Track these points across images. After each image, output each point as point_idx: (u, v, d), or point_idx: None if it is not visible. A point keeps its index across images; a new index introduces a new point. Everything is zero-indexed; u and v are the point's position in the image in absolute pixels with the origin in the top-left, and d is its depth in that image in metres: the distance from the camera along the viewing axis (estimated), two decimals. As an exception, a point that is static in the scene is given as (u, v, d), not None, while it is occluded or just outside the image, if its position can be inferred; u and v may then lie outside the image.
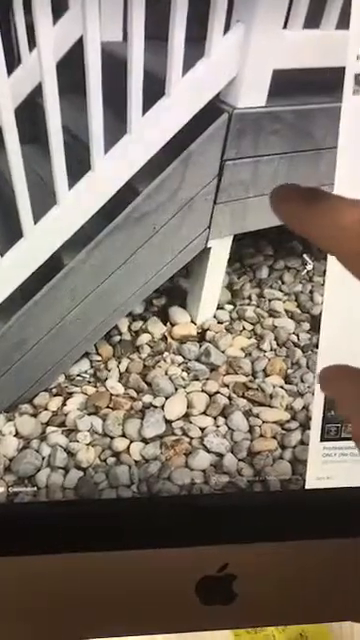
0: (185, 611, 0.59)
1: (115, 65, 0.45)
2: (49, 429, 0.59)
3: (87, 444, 0.58)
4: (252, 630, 0.82)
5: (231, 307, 0.65)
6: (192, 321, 0.64)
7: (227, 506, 0.59)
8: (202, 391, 0.61)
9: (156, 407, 0.60)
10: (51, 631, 0.58)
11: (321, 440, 0.58)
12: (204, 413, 0.61)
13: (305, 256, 0.61)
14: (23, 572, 0.55)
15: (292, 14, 0.46)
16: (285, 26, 0.46)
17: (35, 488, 0.57)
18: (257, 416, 0.60)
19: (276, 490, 0.59)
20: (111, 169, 0.50)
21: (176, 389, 0.61)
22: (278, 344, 0.64)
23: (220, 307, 0.64)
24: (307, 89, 0.49)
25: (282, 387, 0.62)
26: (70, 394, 0.61)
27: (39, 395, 0.60)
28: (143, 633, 0.61)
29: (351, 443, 0.57)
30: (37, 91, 0.46)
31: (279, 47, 0.47)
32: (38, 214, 0.51)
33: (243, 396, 0.61)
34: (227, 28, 0.46)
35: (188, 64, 0.47)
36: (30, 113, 0.49)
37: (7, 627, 0.57)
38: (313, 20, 0.47)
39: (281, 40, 0.47)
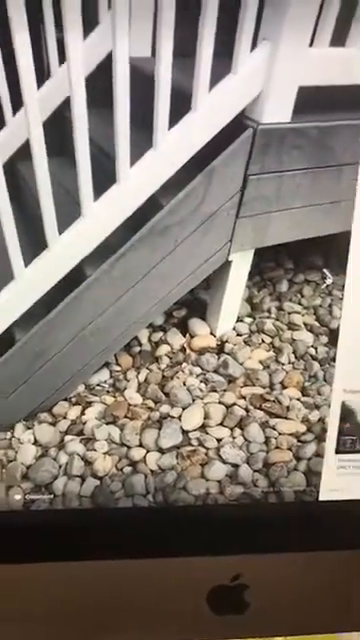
0: (196, 620, 0.58)
1: (143, 80, 0.45)
2: (67, 438, 0.59)
3: (104, 453, 0.59)
4: (262, 639, 0.82)
5: (250, 320, 0.65)
6: (211, 333, 0.64)
7: (241, 516, 0.59)
8: (219, 402, 0.62)
9: (173, 417, 0.60)
10: (63, 638, 0.58)
11: (336, 452, 0.58)
12: (221, 424, 0.61)
13: (325, 270, 0.61)
14: (37, 578, 0.55)
15: (318, 32, 0.46)
16: (311, 44, 0.47)
17: (52, 496, 0.57)
18: (273, 428, 0.61)
19: (290, 501, 0.59)
20: (136, 182, 0.50)
21: (193, 400, 0.61)
22: (296, 357, 0.64)
23: (240, 320, 0.64)
24: (331, 106, 0.50)
25: (299, 399, 0.62)
26: (89, 403, 0.61)
27: (58, 404, 0.61)
28: (154, 642, 0.61)
29: (366, 456, 0.57)
30: (65, 105, 0.46)
31: (305, 64, 0.48)
32: (63, 226, 0.51)
33: (260, 408, 0.61)
34: (254, 45, 0.46)
35: (215, 80, 0.47)
36: (58, 126, 0.49)
37: (20, 633, 0.57)
38: (339, 38, 0.47)
39: (307, 57, 0.47)
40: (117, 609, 0.56)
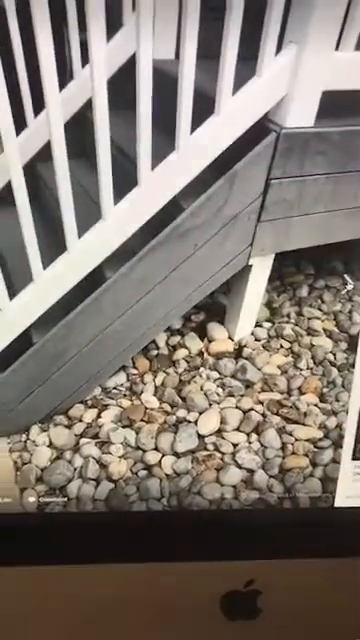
0: (209, 625, 0.58)
1: (166, 83, 0.45)
2: (82, 440, 0.59)
3: (119, 456, 0.58)
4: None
5: (269, 325, 0.65)
6: (230, 337, 0.64)
7: (256, 522, 0.59)
8: (236, 407, 0.62)
9: (190, 422, 0.60)
10: (75, 639, 0.58)
11: (353, 459, 0.58)
12: (237, 429, 0.61)
13: (346, 276, 0.60)
14: (51, 581, 0.55)
15: (344, 36, 0.46)
16: (337, 47, 0.46)
17: (66, 499, 0.57)
18: (290, 434, 0.60)
19: (305, 507, 0.59)
20: (157, 185, 0.50)
21: (210, 405, 0.61)
22: (315, 363, 0.64)
23: (258, 324, 0.64)
24: (356, 110, 0.49)
25: (316, 405, 0.62)
26: (105, 406, 0.61)
27: (74, 407, 0.61)
28: (166, 645, 0.61)
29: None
30: (87, 106, 0.46)
31: (330, 68, 0.47)
32: (82, 228, 0.50)
33: (277, 413, 0.61)
34: (279, 48, 0.46)
35: (239, 83, 0.47)
36: (79, 128, 0.49)
37: (33, 633, 0.57)
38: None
39: (332, 61, 0.47)
40: (130, 612, 0.56)
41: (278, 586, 0.57)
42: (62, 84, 0.44)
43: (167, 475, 0.58)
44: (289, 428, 0.60)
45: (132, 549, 0.54)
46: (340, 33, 0.46)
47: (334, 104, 0.49)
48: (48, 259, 0.52)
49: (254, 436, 0.60)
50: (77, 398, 0.60)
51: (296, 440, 0.60)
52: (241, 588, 0.55)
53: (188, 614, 0.57)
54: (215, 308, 0.62)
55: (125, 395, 0.61)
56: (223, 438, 0.60)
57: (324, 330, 0.63)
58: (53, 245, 0.51)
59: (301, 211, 0.55)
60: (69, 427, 0.60)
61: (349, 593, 0.58)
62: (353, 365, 0.55)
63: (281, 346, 0.63)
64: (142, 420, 0.60)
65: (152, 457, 0.59)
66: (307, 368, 0.63)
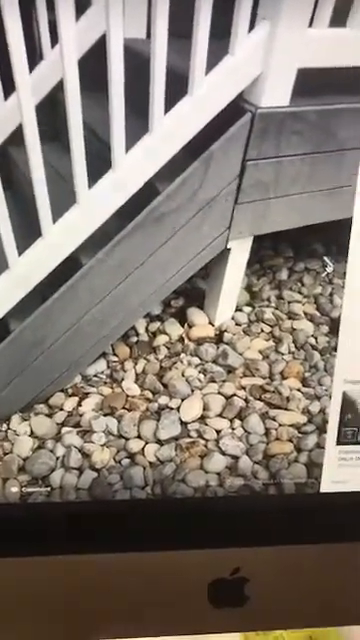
0: (196, 613, 0.58)
1: (138, 63, 0.44)
2: (64, 429, 0.59)
3: (102, 445, 0.58)
4: (261, 632, 0.82)
5: (250, 309, 0.65)
6: (210, 323, 0.64)
7: (241, 509, 0.58)
8: (218, 393, 0.61)
9: (172, 409, 0.60)
10: (61, 632, 0.58)
11: (337, 444, 0.58)
12: (220, 415, 0.60)
13: (326, 258, 0.60)
14: (34, 572, 0.54)
15: (318, 12, 0.45)
16: (311, 24, 0.45)
17: (49, 488, 0.57)
18: (273, 419, 0.60)
19: (291, 493, 0.59)
20: (131, 168, 0.49)
21: (192, 391, 0.61)
22: (296, 347, 0.64)
23: (238, 309, 0.64)
24: (332, 89, 0.49)
25: (299, 390, 0.61)
26: (86, 394, 0.60)
27: (55, 395, 0.60)
28: (153, 635, 0.61)
29: (368, 447, 0.57)
30: (59, 88, 0.45)
31: (304, 45, 0.46)
32: (57, 213, 0.50)
33: (260, 399, 0.61)
34: (252, 26, 0.45)
35: (212, 62, 0.46)
36: (51, 110, 0.48)
37: (19, 627, 0.57)
38: (340, 18, 0.46)
39: (306, 38, 0.46)
40: (115, 602, 0.56)
41: (265, 573, 0.56)
42: (32, 65, 0.43)
43: (150, 463, 0.58)
44: (272, 413, 0.60)
45: (115, 539, 0.54)
46: (314, 9, 0.45)
47: (309, 83, 0.48)
48: (24, 245, 0.51)
49: (237, 422, 0.60)
50: (57, 386, 0.60)
51: (280, 425, 0.60)
52: (227, 576, 0.55)
53: (174, 602, 0.57)
54: (194, 293, 0.62)
55: (106, 383, 0.61)
56: (206, 424, 0.60)
57: (305, 313, 0.63)
58: (28, 231, 0.51)
59: (278, 193, 0.55)
60: (50, 416, 0.59)
61: (337, 578, 0.58)
62: (335, 349, 0.55)
63: (262, 330, 0.63)
64: (124, 408, 0.60)
65: (135, 445, 0.58)
66: (289, 352, 0.62)
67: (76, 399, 0.60)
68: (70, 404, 0.60)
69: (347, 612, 0.60)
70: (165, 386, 0.61)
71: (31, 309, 0.54)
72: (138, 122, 0.47)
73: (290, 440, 0.60)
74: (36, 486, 0.57)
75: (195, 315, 0.64)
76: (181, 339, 0.63)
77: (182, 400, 0.60)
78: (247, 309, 0.64)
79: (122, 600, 0.56)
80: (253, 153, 0.51)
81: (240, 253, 0.60)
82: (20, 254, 0.51)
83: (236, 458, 0.59)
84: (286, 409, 0.60)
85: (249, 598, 0.56)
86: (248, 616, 0.57)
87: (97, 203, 0.50)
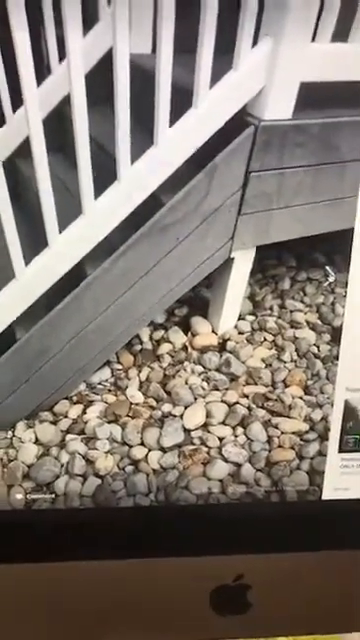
0: (198, 620, 0.58)
1: (143, 77, 0.45)
2: (68, 437, 0.59)
3: (106, 452, 0.58)
4: (264, 639, 0.82)
5: (252, 318, 0.65)
6: (213, 331, 0.64)
7: (244, 516, 0.59)
8: (221, 401, 0.61)
9: (175, 416, 0.60)
10: (65, 638, 0.58)
11: (339, 451, 0.58)
12: (223, 423, 0.61)
13: (328, 268, 0.60)
14: (38, 578, 0.54)
15: (320, 27, 0.46)
16: (313, 39, 0.46)
17: (53, 495, 0.57)
18: (276, 427, 0.60)
19: (293, 501, 0.59)
20: (136, 180, 0.50)
21: (195, 399, 0.61)
22: (299, 355, 0.64)
23: (241, 318, 0.64)
24: (334, 102, 0.49)
25: (301, 398, 0.62)
26: (90, 402, 0.61)
27: (59, 403, 0.61)
28: (156, 641, 0.61)
29: (370, 455, 0.57)
30: (65, 101, 0.46)
31: (307, 60, 0.47)
32: (63, 223, 0.51)
33: (262, 407, 0.61)
34: (255, 41, 0.46)
35: (216, 77, 0.47)
36: (58, 123, 0.49)
37: (23, 632, 0.57)
38: (341, 33, 0.47)
39: (309, 53, 0.47)
40: (118, 609, 0.56)
41: (267, 580, 0.57)
42: (40, 79, 0.44)
43: (154, 470, 0.58)
44: (275, 421, 0.60)
45: (119, 546, 0.54)
46: (316, 25, 0.46)
47: (312, 96, 0.49)
48: (30, 255, 0.52)
49: (240, 429, 0.60)
50: (62, 394, 0.60)
51: (282, 433, 0.60)
52: (230, 583, 0.55)
53: (177, 609, 0.57)
54: (198, 302, 0.62)
55: (110, 390, 0.61)
56: (209, 432, 0.60)
57: (307, 322, 0.64)
58: (34, 241, 0.51)
59: (281, 204, 0.55)
60: (55, 423, 0.60)
61: (339, 586, 0.58)
62: (337, 357, 0.55)
63: (264, 339, 0.64)
64: (127, 415, 0.60)
65: (138, 452, 0.59)
66: (291, 361, 0.63)
67: (81, 407, 0.61)
68: (75, 412, 0.61)
69: (350, 619, 0.60)
70: (168, 394, 0.61)
71: (37, 318, 0.54)
72: (143, 135, 0.48)
73: (292, 448, 0.60)
74: (40, 493, 0.57)
75: (199, 324, 0.65)
76: (185, 347, 0.63)
77: (185, 408, 0.61)
78: (250, 318, 0.65)
79: (124, 607, 0.56)
80: (256, 165, 0.52)
81: (243, 263, 0.60)
82: (27, 264, 0.52)
83: (239, 465, 0.59)
84: (288, 417, 0.61)
85: (252, 605, 0.56)
86: (251, 623, 0.57)
87: (102, 214, 0.51)
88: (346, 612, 0.60)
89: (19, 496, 0.56)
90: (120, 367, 0.63)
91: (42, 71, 0.47)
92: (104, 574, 0.55)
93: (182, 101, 0.48)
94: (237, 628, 0.58)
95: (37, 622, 0.56)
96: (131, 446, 0.59)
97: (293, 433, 0.60)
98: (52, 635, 0.56)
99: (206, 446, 0.60)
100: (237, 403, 0.61)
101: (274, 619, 0.59)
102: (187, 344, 0.64)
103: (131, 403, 0.61)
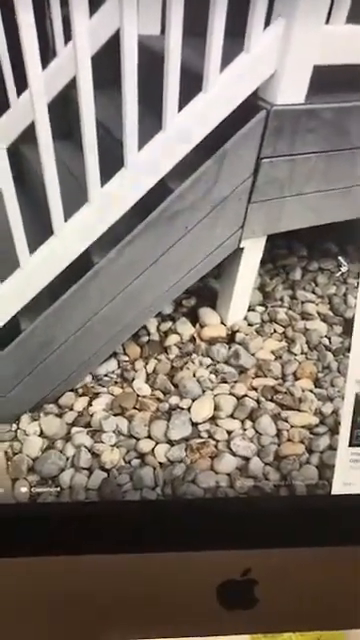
0: (205, 615, 0.58)
1: (152, 60, 0.44)
2: (74, 429, 0.58)
3: (112, 445, 0.58)
4: (270, 635, 0.82)
5: (262, 309, 0.65)
6: (222, 322, 0.64)
7: (251, 510, 0.58)
8: (230, 394, 0.61)
9: (183, 409, 0.59)
10: (71, 632, 0.57)
11: (350, 445, 0.57)
12: (231, 416, 0.60)
13: (340, 258, 0.60)
14: (44, 572, 0.54)
15: (335, 8, 0.45)
16: (327, 21, 0.45)
17: (58, 489, 0.56)
18: (285, 420, 0.59)
19: (302, 495, 0.59)
20: (144, 167, 0.49)
21: (203, 391, 0.60)
22: (309, 347, 0.63)
23: (251, 309, 0.64)
24: (348, 86, 0.48)
25: (311, 391, 0.61)
26: (96, 394, 0.60)
27: (65, 395, 0.60)
28: (162, 636, 0.61)
29: (381, 449, 0.56)
30: (71, 85, 0.45)
31: (320, 42, 0.46)
32: (69, 211, 0.50)
33: (272, 399, 0.60)
34: (267, 23, 0.45)
35: (227, 60, 0.45)
36: (64, 108, 0.48)
37: (27, 627, 0.57)
38: (357, 15, 0.45)
39: (323, 35, 0.45)
40: (125, 603, 0.55)
41: (275, 575, 0.56)
42: (45, 62, 0.43)
43: (161, 464, 0.58)
44: (284, 414, 0.60)
45: (125, 540, 0.54)
46: (330, 6, 0.45)
47: (325, 80, 0.48)
48: (35, 244, 0.51)
49: (248, 423, 0.60)
50: (68, 386, 0.60)
51: (291, 427, 0.59)
52: (237, 578, 0.55)
53: (184, 604, 0.56)
54: (206, 292, 0.62)
55: (116, 382, 0.61)
56: (217, 425, 0.59)
57: (318, 314, 0.63)
58: (39, 229, 0.50)
59: (293, 191, 0.54)
60: (60, 416, 0.59)
61: (347, 582, 0.57)
62: (348, 349, 0.54)
63: (275, 331, 0.63)
64: (134, 408, 0.59)
65: (145, 445, 0.58)
66: (301, 353, 0.62)
67: (86, 399, 0.60)
68: (80, 404, 0.60)
69: (357, 615, 0.60)
70: (176, 386, 0.61)
71: (42, 308, 0.53)
72: (151, 120, 0.47)
73: (302, 441, 0.59)
74: (45, 486, 0.57)
75: (207, 315, 0.64)
76: (192, 339, 0.62)
77: (193, 400, 0.60)
78: (260, 309, 0.64)
79: (131, 601, 0.55)
80: (267, 151, 0.50)
81: (253, 252, 0.60)
82: (31, 253, 0.51)
83: (247, 459, 0.59)
84: (298, 410, 0.60)
85: (258, 600, 0.56)
86: (257, 618, 0.57)
87: (109, 201, 0.50)
88: (352, 608, 0.59)
89: (24, 489, 0.56)
90: (127, 359, 0.63)
91: (47, 54, 0.46)
92: (110, 568, 0.54)
93: (192, 85, 0.46)
94: (244, 623, 0.58)
95: (40, 616, 0.56)
96: (138, 439, 0.59)
97: (303, 427, 0.60)
98: (57, 629, 0.56)
99: (214, 439, 0.59)
100: (246, 396, 0.61)
101: (280, 615, 0.59)
102: (195, 335, 0.63)
103: (138, 395, 0.60)
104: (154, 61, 0.44)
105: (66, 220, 0.50)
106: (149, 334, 0.64)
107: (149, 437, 0.59)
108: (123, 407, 0.59)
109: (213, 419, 0.60)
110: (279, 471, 0.58)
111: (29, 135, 0.46)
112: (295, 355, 0.63)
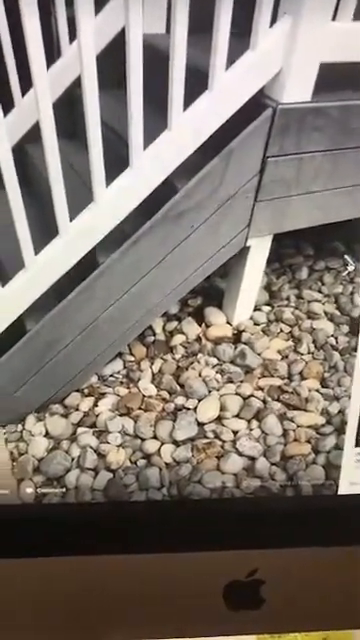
0: (212, 616, 0.58)
1: (157, 58, 0.44)
2: (80, 430, 0.58)
3: (118, 446, 0.58)
4: (277, 635, 0.81)
5: (269, 308, 0.65)
6: (228, 322, 0.63)
7: (258, 510, 0.58)
8: (236, 394, 0.61)
9: (189, 409, 0.59)
10: (76, 632, 0.57)
11: (356, 445, 0.57)
12: (237, 416, 0.60)
13: (347, 257, 0.59)
14: (49, 573, 0.54)
15: (341, 5, 0.44)
16: (334, 18, 0.45)
17: (64, 489, 0.56)
18: (292, 420, 0.59)
19: (308, 495, 0.58)
20: (150, 166, 0.48)
21: (209, 391, 0.60)
22: (316, 347, 0.63)
23: (257, 308, 0.64)
24: (355, 84, 0.48)
25: (318, 391, 0.61)
26: (102, 395, 0.60)
27: (70, 395, 0.60)
28: (168, 637, 0.61)
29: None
30: (76, 84, 0.45)
31: (327, 39, 0.45)
32: (74, 211, 0.49)
33: (278, 399, 0.60)
34: (273, 20, 0.44)
35: (232, 58, 0.45)
36: (68, 107, 0.48)
37: (33, 627, 0.57)
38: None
39: (329, 32, 0.45)
40: (131, 604, 0.55)
41: (281, 575, 0.56)
42: (50, 61, 0.43)
43: (167, 464, 0.58)
44: (290, 414, 0.59)
45: (131, 540, 0.54)
46: (337, 2, 0.44)
47: (332, 78, 0.48)
48: (40, 244, 0.50)
49: (255, 423, 0.60)
50: (73, 387, 0.60)
51: (298, 426, 0.59)
52: (243, 578, 0.55)
53: (190, 605, 0.56)
54: (212, 292, 0.62)
55: (122, 383, 0.61)
56: (223, 425, 0.59)
57: (325, 313, 0.63)
58: (44, 229, 0.50)
59: (299, 190, 0.54)
60: (66, 416, 0.59)
61: (353, 581, 0.57)
62: (355, 349, 0.54)
63: (281, 330, 0.63)
64: (140, 408, 0.59)
65: (151, 446, 0.58)
66: (308, 352, 0.62)
67: (92, 399, 0.60)
68: (86, 404, 0.60)
69: (362, 615, 0.60)
70: (182, 386, 0.61)
71: (47, 308, 0.53)
72: (156, 118, 0.47)
73: (308, 441, 0.59)
74: (51, 487, 0.56)
75: (213, 314, 0.64)
76: (198, 339, 0.62)
77: (199, 401, 0.60)
78: (266, 308, 0.64)
79: (137, 601, 0.55)
80: (274, 149, 0.50)
81: (259, 251, 0.59)
82: (37, 253, 0.51)
83: (253, 459, 0.59)
84: (305, 410, 0.60)
85: (265, 601, 0.56)
86: (264, 618, 0.57)
87: (115, 201, 0.50)
88: (359, 608, 0.59)
89: (29, 490, 0.55)
90: (132, 359, 0.63)
91: (52, 53, 0.46)
92: (116, 569, 0.54)
93: (197, 83, 0.46)
94: (250, 624, 0.58)
95: (45, 617, 0.56)
96: (143, 439, 0.58)
97: (309, 427, 0.60)
98: (63, 629, 0.56)
99: (220, 440, 0.59)
100: (252, 396, 0.60)
101: (287, 615, 0.59)
102: (201, 335, 0.63)
103: (143, 396, 0.60)
104: (159, 60, 0.44)
105: (71, 220, 0.50)
106: (155, 334, 0.64)
107: (155, 437, 0.58)
108: (129, 407, 0.59)
109: (219, 419, 0.60)
110: (285, 471, 0.58)
111: (34, 134, 0.47)
112: (301, 355, 0.63)
